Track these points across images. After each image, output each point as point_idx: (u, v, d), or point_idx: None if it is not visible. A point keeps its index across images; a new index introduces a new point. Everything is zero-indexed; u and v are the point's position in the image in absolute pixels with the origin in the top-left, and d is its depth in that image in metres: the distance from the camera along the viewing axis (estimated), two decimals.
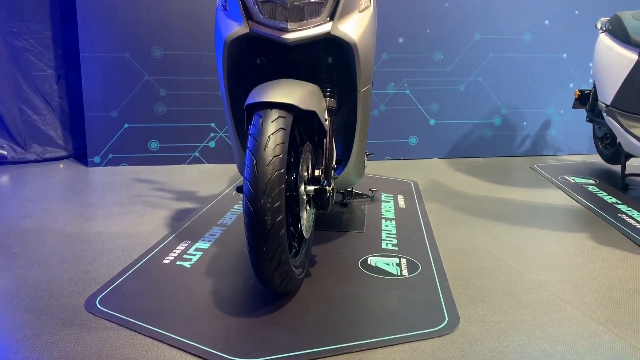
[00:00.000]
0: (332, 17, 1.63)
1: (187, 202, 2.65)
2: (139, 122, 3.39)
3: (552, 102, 3.88)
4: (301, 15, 1.60)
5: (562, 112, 3.90)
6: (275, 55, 1.78)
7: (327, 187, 1.62)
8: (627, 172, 3.01)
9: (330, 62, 1.79)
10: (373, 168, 3.32)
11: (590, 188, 2.98)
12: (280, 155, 1.38)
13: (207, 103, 3.42)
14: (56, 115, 3.55)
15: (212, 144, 3.51)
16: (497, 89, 3.79)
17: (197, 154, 3.51)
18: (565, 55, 3.82)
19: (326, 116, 1.67)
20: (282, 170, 1.38)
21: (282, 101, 1.45)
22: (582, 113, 3.57)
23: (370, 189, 2.74)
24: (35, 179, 3.10)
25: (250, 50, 1.79)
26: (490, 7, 3.64)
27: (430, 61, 3.67)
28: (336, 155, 1.96)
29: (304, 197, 1.61)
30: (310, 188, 1.62)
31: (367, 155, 2.71)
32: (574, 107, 3.55)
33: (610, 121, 2.97)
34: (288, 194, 1.50)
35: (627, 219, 2.43)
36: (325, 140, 1.70)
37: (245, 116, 1.54)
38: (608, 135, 3.36)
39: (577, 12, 3.76)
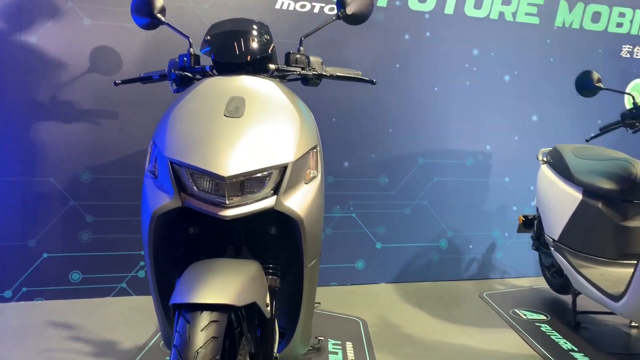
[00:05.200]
0: (276, 190, 1.47)
1: (107, 358, 2.31)
2: (60, 251, 3.06)
3: (496, 225, 3.86)
4: (241, 190, 1.43)
5: (506, 234, 3.88)
6: (211, 225, 1.58)
7: None
8: (578, 308, 2.93)
9: (273, 233, 1.61)
10: (319, 299, 3.10)
11: (543, 327, 2.86)
12: None
13: (137, 229, 3.14)
14: None
15: (141, 274, 3.20)
16: (442, 212, 3.74)
17: (124, 285, 3.17)
18: (507, 179, 3.86)
19: (268, 301, 1.46)
20: None
21: (215, 302, 1.23)
22: (527, 236, 3.55)
23: (316, 337, 2.50)
24: None
25: (182, 218, 1.58)
26: (432, 133, 3.66)
27: (376, 185, 3.60)
28: (280, 328, 1.74)
29: None
30: None
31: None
32: (519, 231, 3.52)
33: (557, 256, 2.92)
34: None
35: None
36: (266, 326, 1.48)
37: (172, 311, 1.31)
38: (555, 265, 3.32)
39: (516, 138, 3.84)
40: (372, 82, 1.88)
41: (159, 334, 2.62)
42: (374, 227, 3.63)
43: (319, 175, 1.59)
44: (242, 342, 1.39)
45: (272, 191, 1.47)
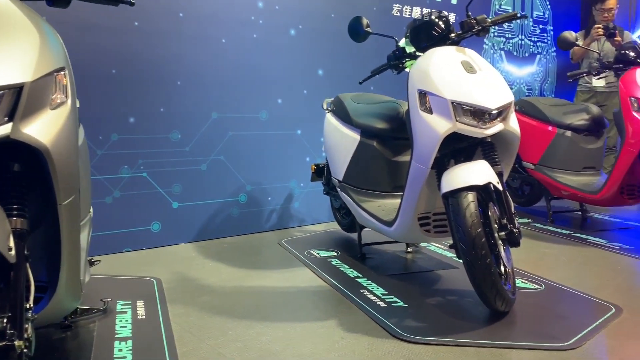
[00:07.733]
0: (11, 116, 1.27)
1: None
2: None
3: (292, 176, 4.00)
4: None
5: (302, 184, 4.04)
6: None
7: (15, 342, 1.21)
8: (363, 242, 3.18)
9: (17, 170, 1.40)
10: (108, 266, 2.88)
11: (334, 262, 3.05)
12: None
13: None
14: None
15: None
16: (239, 167, 3.74)
17: None
18: (299, 132, 4.00)
19: (11, 244, 1.27)
20: None
21: None
22: (321, 185, 3.73)
23: (101, 300, 2.31)
24: None
25: None
26: (223, 87, 3.60)
27: (168, 141, 3.43)
28: (39, 283, 1.54)
29: None
30: None
31: (93, 264, 2.30)
32: (312, 180, 3.69)
33: (343, 196, 3.13)
34: None
35: (368, 295, 2.50)
36: (12, 274, 1.29)
37: None
38: (343, 206, 3.55)
39: (305, 91, 3.99)
40: (130, 4, 1.73)
41: None
42: (169, 186, 3.47)
43: (69, 101, 1.42)
44: None
45: (7, 118, 1.26)
